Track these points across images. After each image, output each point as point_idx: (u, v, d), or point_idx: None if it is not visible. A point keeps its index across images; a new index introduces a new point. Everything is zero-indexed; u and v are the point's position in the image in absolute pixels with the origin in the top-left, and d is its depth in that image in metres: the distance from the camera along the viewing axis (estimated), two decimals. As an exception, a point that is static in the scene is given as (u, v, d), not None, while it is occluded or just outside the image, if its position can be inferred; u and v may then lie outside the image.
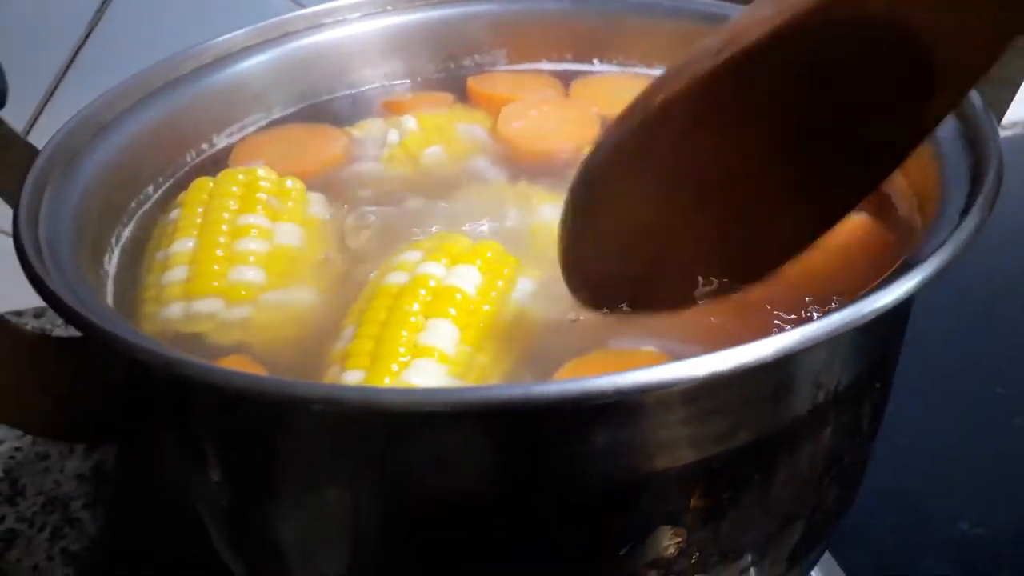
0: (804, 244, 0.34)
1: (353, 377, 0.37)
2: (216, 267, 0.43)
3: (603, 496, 0.33)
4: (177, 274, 0.43)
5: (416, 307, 0.39)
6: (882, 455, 0.47)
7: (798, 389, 0.34)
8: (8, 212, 0.47)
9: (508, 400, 0.28)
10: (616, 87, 0.61)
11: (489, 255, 0.43)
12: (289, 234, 0.46)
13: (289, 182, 0.50)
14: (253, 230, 0.45)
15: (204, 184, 0.48)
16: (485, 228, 0.48)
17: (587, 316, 0.40)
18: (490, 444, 0.32)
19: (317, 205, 0.50)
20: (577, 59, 0.63)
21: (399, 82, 0.62)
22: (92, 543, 0.59)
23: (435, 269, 0.41)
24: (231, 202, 0.46)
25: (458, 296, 0.40)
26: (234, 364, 0.39)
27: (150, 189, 0.51)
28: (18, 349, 0.36)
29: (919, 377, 0.55)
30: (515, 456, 0.32)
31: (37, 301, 0.34)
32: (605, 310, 0.39)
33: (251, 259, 0.44)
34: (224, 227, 0.45)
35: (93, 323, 0.31)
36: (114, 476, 0.63)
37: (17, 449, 0.67)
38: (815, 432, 0.36)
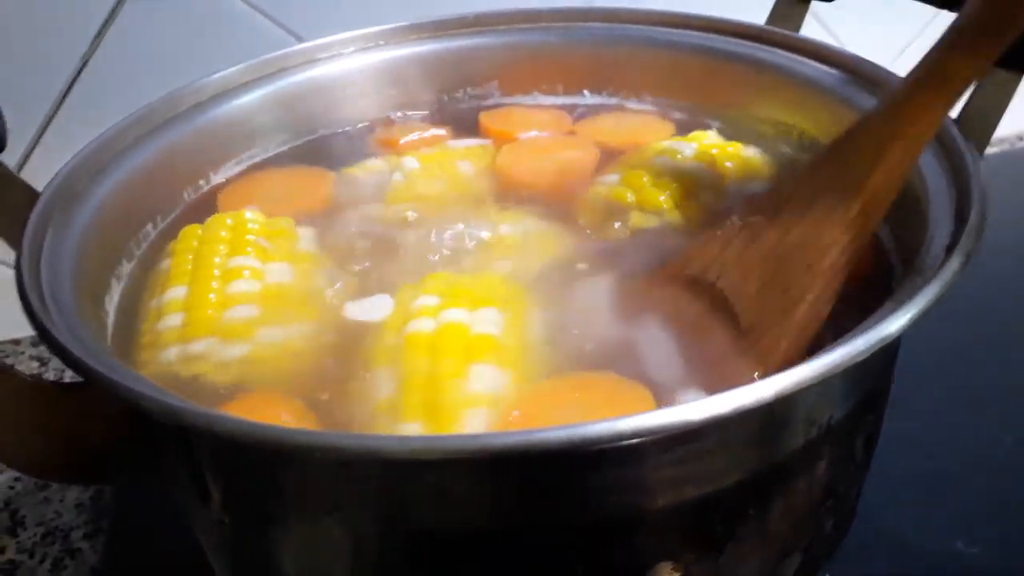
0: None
1: (412, 429, 0.37)
2: (210, 311, 0.44)
3: (602, 533, 0.34)
4: (172, 321, 0.44)
5: (454, 355, 0.40)
6: (876, 475, 0.47)
7: (791, 426, 0.34)
8: (3, 245, 0.48)
9: (508, 447, 0.28)
10: (620, 123, 0.62)
11: (500, 291, 0.44)
12: (280, 272, 0.47)
13: (277, 221, 0.50)
14: (245, 271, 0.46)
15: (192, 231, 0.49)
16: (493, 265, 0.48)
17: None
18: (490, 484, 0.33)
19: (306, 241, 0.50)
20: (567, 92, 0.64)
21: (394, 114, 0.63)
22: (93, 574, 0.59)
23: (459, 315, 0.41)
24: (221, 246, 0.47)
25: (490, 340, 0.41)
26: (264, 403, 0.40)
27: (149, 228, 0.52)
28: (16, 394, 0.36)
29: (912, 397, 0.56)
30: (515, 495, 0.33)
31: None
32: None
33: (243, 300, 0.44)
34: (216, 271, 0.45)
35: (101, 374, 0.32)
36: (113, 507, 0.63)
37: (17, 479, 0.67)
38: (810, 466, 0.37)
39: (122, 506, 0.62)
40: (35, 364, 0.79)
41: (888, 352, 0.39)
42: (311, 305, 0.46)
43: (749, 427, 0.33)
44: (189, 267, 0.46)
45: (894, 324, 0.31)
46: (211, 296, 0.44)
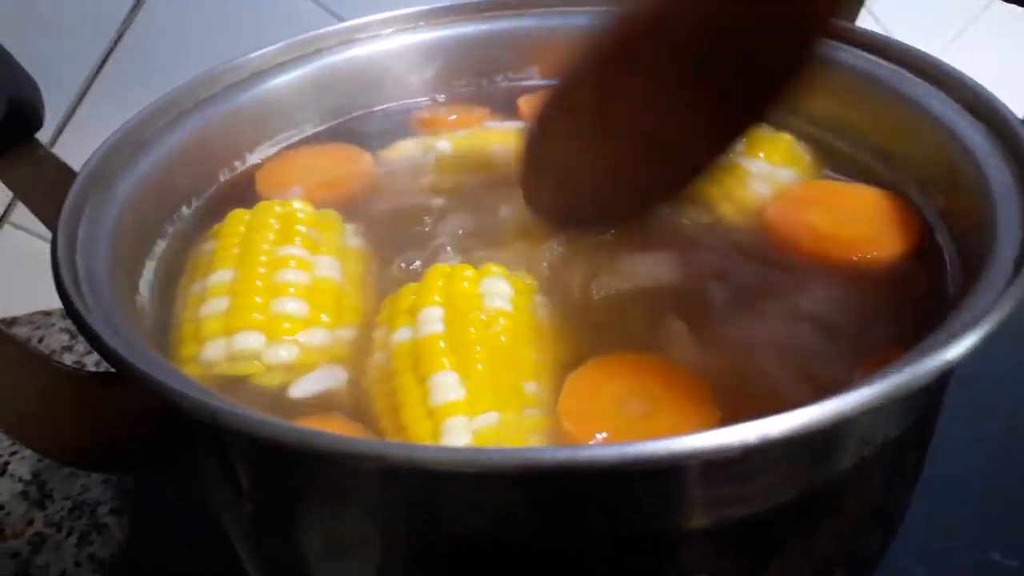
0: (711, 162, 0.41)
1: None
2: (258, 298, 0.43)
3: (644, 549, 0.33)
4: (216, 306, 0.43)
5: (407, 378, 0.39)
6: (918, 488, 0.46)
7: (845, 446, 0.33)
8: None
9: (553, 463, 0.27)
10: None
11: (439, 283, 0.43)
12: (329, 267, 0.46)
13: (326, 213, 0.49)
14: (292, 261, 0.45)
15: (240, 216, 0.48)
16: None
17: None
18: (533, 498, 0.32)
19: (353, 236, 0.50)
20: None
21: (431, 97, 0.62)
22: (119, 549, 0.60)
23: (404, 333, 0.41)
24: (269, 234, 0.46)
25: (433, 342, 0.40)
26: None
27: (184, 209, 0.51)
28: (52, 385, 0.36)
29: (953, 407, 0.54)
30: (557, 510, 0.32)
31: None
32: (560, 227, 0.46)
33: (291, 290, 0.43)
34: (263, 258, 0.44)
35: (142, 371, 0.31)
36: (138, 484, 0.64)
37: (44, 452, 0.68)
38: (860, 484, 0.36)
39: (149, 482, 0.63)
40: (65, 336, 0.79)
41: (946, 374, 0.38)
42: (357, 308, 0.46)
43: (803, 448, 0.32)
44: (236, 251, 0.45)
45: (960, 347, 0.30)
46: (258, 282, 0.43)
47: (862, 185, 0.51)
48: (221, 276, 0.44)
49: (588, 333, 0.42)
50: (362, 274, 0.47)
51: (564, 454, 0.27)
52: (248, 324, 0.42)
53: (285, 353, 0.42)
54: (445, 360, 0.38)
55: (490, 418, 0.37)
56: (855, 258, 0.46)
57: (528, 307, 0.43)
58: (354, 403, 0.40)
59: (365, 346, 0.43)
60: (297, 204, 0.49)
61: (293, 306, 0.43)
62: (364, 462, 0.29)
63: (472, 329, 0.40)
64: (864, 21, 0.88)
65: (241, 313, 0.42)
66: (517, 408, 0.38)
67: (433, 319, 0.40)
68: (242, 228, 0.47)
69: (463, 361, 0.39)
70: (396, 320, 0.41)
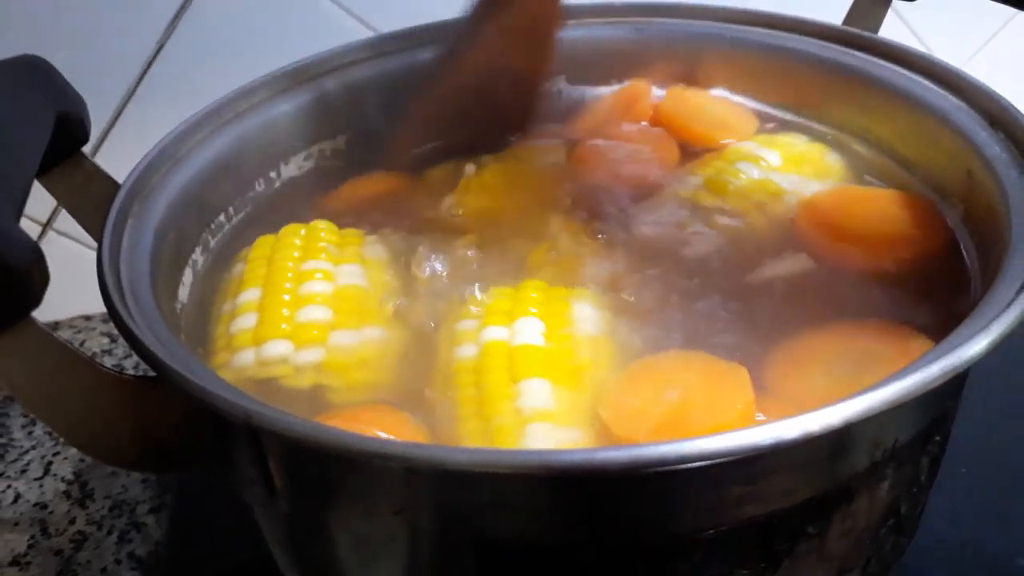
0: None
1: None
2: (285, 311, 0.44)
3: (657, 550, 0.34)
4: (246, 322, 0.45)
5: (501, 376, 0.40)
6: (935, 488, 0.46)
7: (857, 448, 0.34)
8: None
9: (570, 465, 0.28)
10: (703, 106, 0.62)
11: (534, 295, 0.44)
12: (352, 274, 0.48)
13: (348, 231, 0.51)
14: (317, 273, 0.46)
15: (267, 240, 0.50)
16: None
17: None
18: (552, 499, 0.33)
19: (376, 246, 0.51)
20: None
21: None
22: (157, 547, 0.61)
23: (498, 333, 0.42)
24: (294, 252, 0.48)
25: (532, 351, 0.41)
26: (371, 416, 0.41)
27: (222, 218, 0.53)
28: (99, 387, 0.37)
29: (973, 409, 0.54)
30: (577, 510, 0.33)
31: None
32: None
33: (317, 299, 0.45)
34: (289, 274, 0.46)
35: (181, 375, 0.33)
36: (176, 483, 0.65)
37: (87, 452, 0.69)
38: (873, 487, 0.36)
39: (185, 483, 0.64)
40: (105, 340, 0.81)
41: (960, 376, 0.38)
42: (382, 310, 0.47)
43: (814, 450, 0.33)
44: (263, 271, 0.47)
45: (969, 351, 0.31)
46: (285, 296, 0.45)
47: (889, 189, 0.52)
48: (249, 295, 0.46)
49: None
50: (387, 280, 0.49)
51: (578, 456, 0.29)
52: (276, 335, 0.44)
53: (313, 355, 0.43)
54: (542, 370, 0.40)
55: (572, 435, 0.38)
56: (881, 260, 0.47)
57: (609, 333, 0.44)
58: (402, 392, 0.42)
59: (421, 338, 0.45)
60: (321, 224, 0.51)
61: (318, 313, 0.45)
62: (389, 461, 0.30)
63: (567, 347, 0.42)
64: (899, 30, 0.88)
65: (269, 326, 0.44)
66: (590, 430, 0.39)
67: (532, 330, 0.42)
68: (268, 251, 0.48)
69: (559, 376, 0.40)
70: (491, 319, 0.43)
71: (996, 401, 0.62)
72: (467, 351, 0.42)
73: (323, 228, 0.50)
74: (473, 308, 0.45)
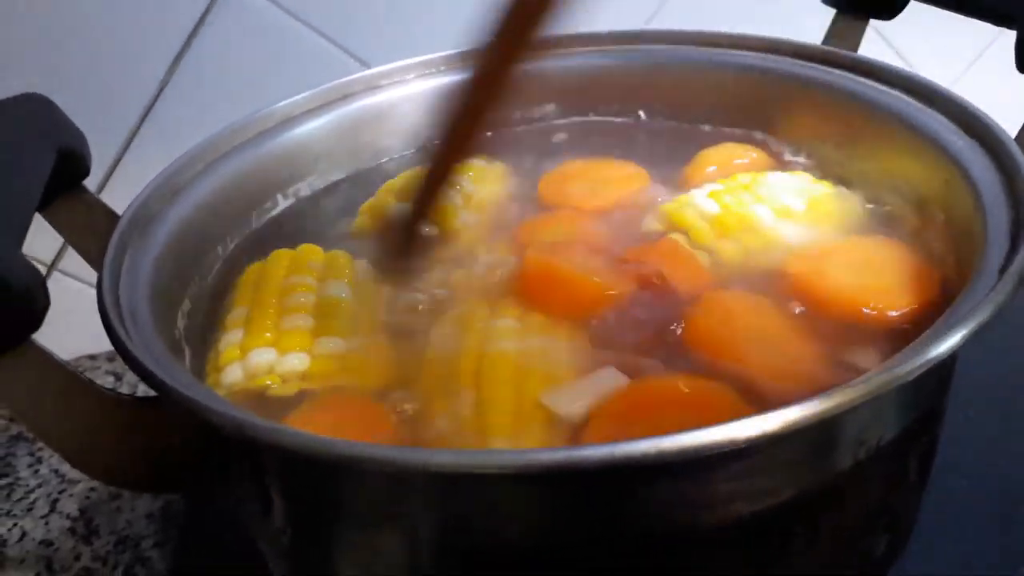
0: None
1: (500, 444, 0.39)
2: (268, 321, 0.46)
3: (644, 549, 0.34)
4: (233, 337, 0.46)
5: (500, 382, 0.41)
6: (932, 497, 0.47)
7: (840, 445, 0.34)
8: (83, 264, 0.50)
9: (553, 464, 0.29)
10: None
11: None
12: (336, 288, 0.49)
13: (334, 253, 0.52)
14: (301, 287, 0.48)
15: (257, 267, 0.51)
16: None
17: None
18: (540, 500, 0.34)
19: (367, 268, 0.52)
20: (621, 113, 0.65)
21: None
22: (162, 582, 0.61)
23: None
24: (280, 271, 0.49)
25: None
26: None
27: (219, 249, 0.54)
28: (99, 408, 0.38)
29: (971, 418, 0.55)
30: (565, 511, 0.34)
31: (109, 345, 0.38)
32: None
33: (301, 309, 0.46)
34: (274, 291, 0.48)
35: (174, 389, 0.34)
36: (181, 517, 0.65)
37: (92, 489, 0.69)
38: (860, 486, 0.37)
39: (190, 516, 0.64)
40: (110, 379, 0.82)
41: (940, 373, 0.39)
42: (369, 318, 0.48)
43: (795, 446, 0.33)
44: (251, 293, 0.48)
45: (941, 346, 0.31)
46: (270, 310, 0.46)
47: (883, 239, 0.51)
48: (237, 313, 0.47)
49: None
50: (373, 296, 0.50)
51: (560, 455, 0.29)
52: (259, 343, 0.45)
53: (296, 362, 0.44)
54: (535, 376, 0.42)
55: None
56: (870, 311, 0.45)
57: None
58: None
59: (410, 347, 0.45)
60: (308, 247, 0.52)
61: (301, 321, 0.46)
62: (380, 467, 0.31)
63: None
64: (884, 52, 0.90)
65: (253, 336, 0.45)
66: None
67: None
68: (256, 276, 0.50)
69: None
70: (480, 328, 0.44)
71: (999, 409, 0.62)
72: (461, 358, 0.43)
73: (310, 251, 0.52)
74: (465, 317, 0.45)
